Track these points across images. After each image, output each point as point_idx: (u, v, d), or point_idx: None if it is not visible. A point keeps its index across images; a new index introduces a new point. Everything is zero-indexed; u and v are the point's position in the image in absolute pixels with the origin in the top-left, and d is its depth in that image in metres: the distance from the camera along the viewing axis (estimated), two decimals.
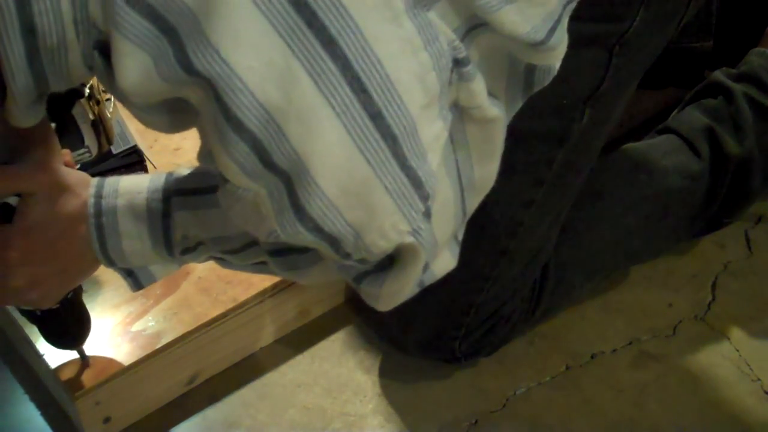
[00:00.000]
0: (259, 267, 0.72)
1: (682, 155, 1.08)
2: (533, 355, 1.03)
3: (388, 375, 1.00)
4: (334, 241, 0.57)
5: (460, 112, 0.59)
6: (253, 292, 0.96)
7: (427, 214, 0.59)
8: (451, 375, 1.00)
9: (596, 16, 0.82)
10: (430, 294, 0.76)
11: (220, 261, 0.74)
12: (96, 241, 0.70)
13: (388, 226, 0.57)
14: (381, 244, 0.58)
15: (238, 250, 0.70)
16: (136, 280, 0.76)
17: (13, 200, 0.69)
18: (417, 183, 0.56)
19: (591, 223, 1.02)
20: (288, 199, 0.55)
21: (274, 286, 0.98)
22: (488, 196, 0.70)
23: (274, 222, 0.56)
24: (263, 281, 0.97)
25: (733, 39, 1.20)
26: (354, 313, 1.06)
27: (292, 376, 1.00)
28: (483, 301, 0.94)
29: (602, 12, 0.82)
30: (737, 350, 1.04)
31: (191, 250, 0.72)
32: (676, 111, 1.16)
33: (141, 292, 0.94)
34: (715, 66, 1.17)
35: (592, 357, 1.03)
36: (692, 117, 1.11)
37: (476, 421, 0.96)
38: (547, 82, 0.64)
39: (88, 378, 0.87)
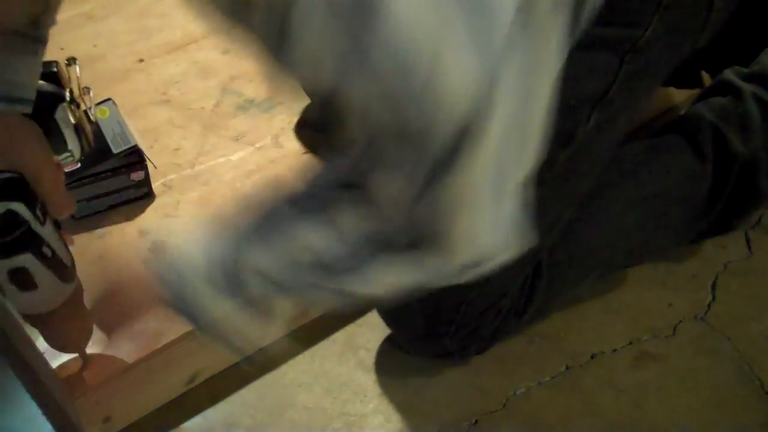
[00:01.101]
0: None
1: (685, 154, 1.08)
2: (533, 355, 1.03)
3: (388, 375, 1.00)
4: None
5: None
6: None
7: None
8: (451, 375, 1.00)
9: (610, 20, 0.82)
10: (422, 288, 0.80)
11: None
12: None
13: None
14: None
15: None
16: None
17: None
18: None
19: (589, 221, 1.01)
20: None
21: None
22: None
23: None
24: None
25: (747, 38, 1.19)
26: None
27: (292, 376, 1.00)
28: (474, 297, 0.94)
29: (617, 17, 0.83)
30: (737, 350, 1.04)
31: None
32: (683, 109, 1.16)
33: None
34: (727, 66, 1.16)
35: (592, 357, 1.03)
36: (698, 115, 1.11)
37: (476, 421, 0.96)
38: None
39: (88, 377, 0.87)
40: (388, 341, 1.03)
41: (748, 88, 1.10)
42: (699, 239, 1.14)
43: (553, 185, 0.90)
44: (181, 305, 0.73)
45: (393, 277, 0.69)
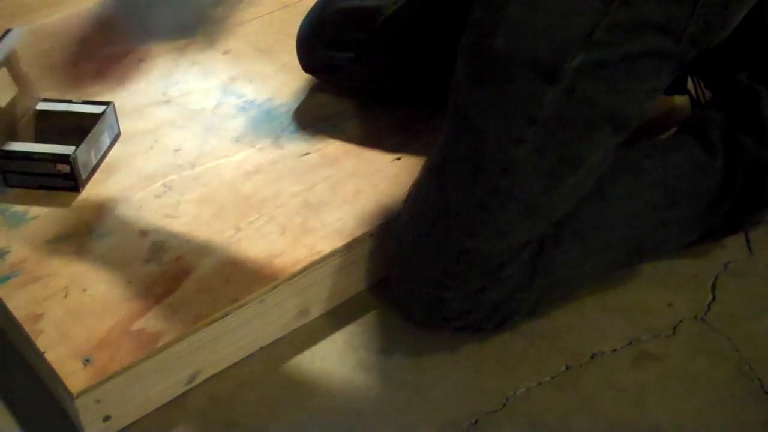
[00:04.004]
0: None
1: (692, 148, 1.09)
2: (533, 355, 1.03)
3: (388, 375, 1.00)
4: None
5: None
6: (253, 291, 0.96)
7: None
8: (451, 375, 1.00)
9: None
10: (426, 237, 0.95)
11: None
12: None
13: None
14: None
15: None
16: None
17: None
18: None
19: (591, 201, 1.01)
20: None
21: (274, 286, 0.98)
22: (484, 127, 0.88)
23: None
24: (263, 281, 0.97)
25: (761, 42, 1.19)
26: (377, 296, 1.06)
27: (292, 376, 1.00)
28: (474, 248, 0.94)
29: None
30: (737, 350, 1.04)
31: None
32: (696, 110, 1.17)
33: (141, 290, 0.95)
34: (721, 72, 1.16)
35: (592, 357, 1.03)
36: (709, 115, 1.12)
37: (476, 421, 0.96)
38: None
39: (88, 376, 0.87)
40: (394, 309, 1.04)
41: (764, 90, 1.10)
42: (709, 239, 1.13)
43: (545, 129, 0.92)
44: None
45: None
